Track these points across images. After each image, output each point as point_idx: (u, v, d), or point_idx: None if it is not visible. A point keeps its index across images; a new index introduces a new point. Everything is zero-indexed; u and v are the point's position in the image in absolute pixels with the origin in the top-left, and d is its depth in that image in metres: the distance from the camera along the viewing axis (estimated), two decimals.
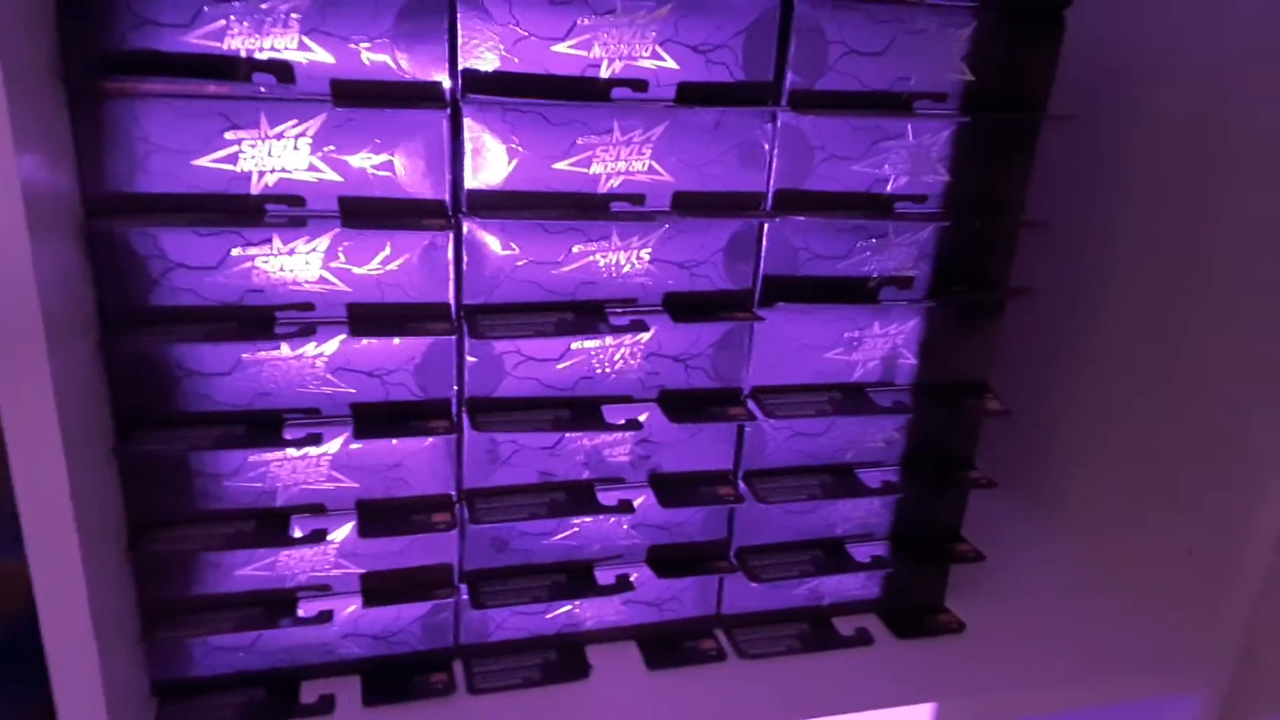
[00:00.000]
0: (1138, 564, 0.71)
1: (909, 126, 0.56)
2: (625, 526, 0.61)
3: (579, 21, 0.49)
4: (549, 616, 0.62)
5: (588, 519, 0.60)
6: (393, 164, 0.50)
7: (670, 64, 0.51)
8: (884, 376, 0.63)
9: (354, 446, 0.54)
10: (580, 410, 0.57)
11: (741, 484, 0.62)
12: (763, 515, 0.64)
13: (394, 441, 0.55)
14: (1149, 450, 0.70)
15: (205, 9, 0.44)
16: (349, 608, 0.57)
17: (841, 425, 0.63)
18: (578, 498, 0.59)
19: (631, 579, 0.62)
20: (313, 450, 0.54)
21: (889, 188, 0.58)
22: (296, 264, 0.50)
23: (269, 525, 0.54)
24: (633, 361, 0.58)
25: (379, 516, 0.56)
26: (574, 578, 0.61)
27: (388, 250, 0.51)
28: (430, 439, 0.55)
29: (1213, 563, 0.64)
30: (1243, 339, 0.62)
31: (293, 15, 0.45)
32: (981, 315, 0.63)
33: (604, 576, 0.61)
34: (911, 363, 0.63)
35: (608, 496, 0.59)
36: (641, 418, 0.58)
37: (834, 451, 0.64)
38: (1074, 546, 0.78)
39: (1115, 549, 0.74)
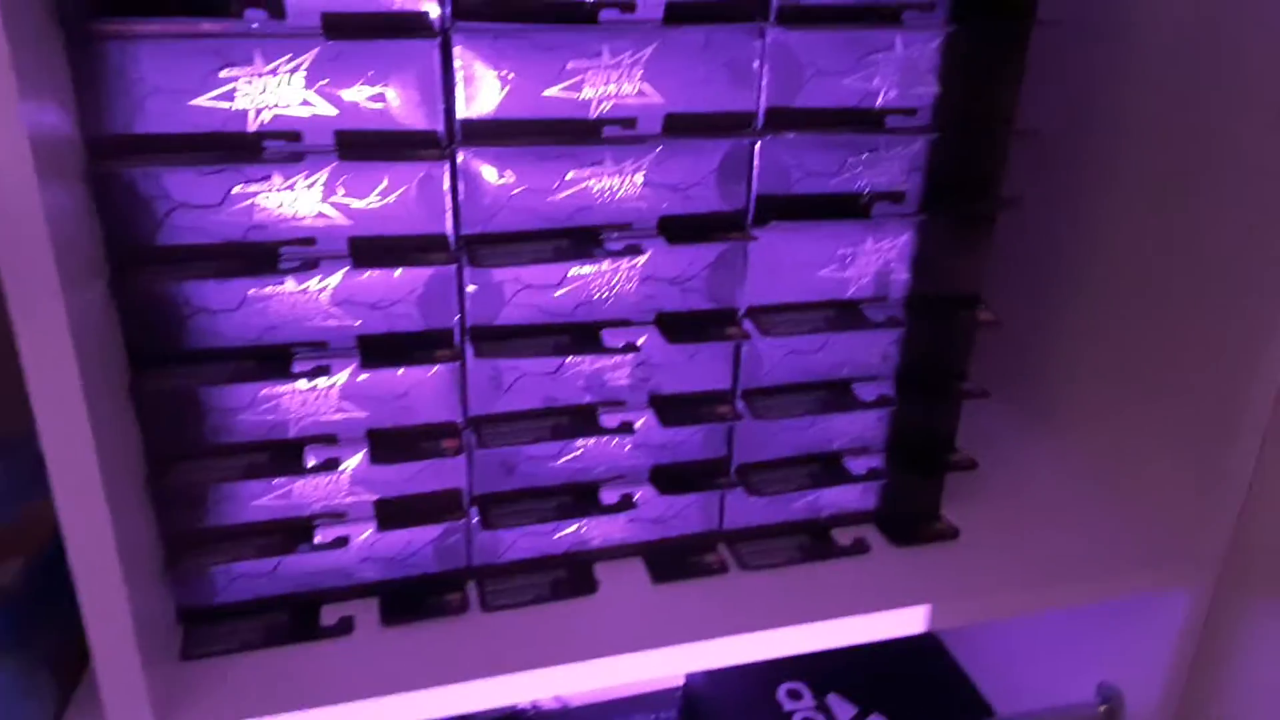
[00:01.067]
0: (1128, 462, 0.73)
1: (897, 38, 0.57)
2: (628, 447, 0.63)
3: None
4: (557, 537, 0.64)
5: (591, 441, 0.62)
6: (385, 96, 0.50)
7: None
8: (877, 292, 0.64)
9: (361, 377, 0.56)
10: (580, 335, 0.59)
11: (739, 402, 0.64)
12: (761, 432, 0.66)
13: (400, 371, 0.56)
14: (1136, 350, 0.72)
15: None
16: (364, 533, 0.59)
17: (836, 341, 0.65)
18: (580, 421, 0.61)
19: (635, 498, 0.64)
20: (322, 382, 0.55)
21: (879, 102, 0.58)
22: (297, 199, 0.51)
23: (283, 456, 0.56)
24: (629, 285, 0.59)
25: (389, 444, 0.57)
26: (580, 498, 0.63)
27: (385, 183, 0.52)
28: (435, 368, 0.57)
29: (1203, 457, 0.66)
30: (1232, 239, 0.63)
31: None
32: (973, 227, 0.64)
33: (608, 496, 0.63)
34: (904, 278, 0.64)
35: (610, 418, 0.61)
36: (640, 340, 0.60)
37: (830, 368, 0.66)
38: (1066, 450, 0.80)
39: (1105, 449, 0.76)
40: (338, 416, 0.56)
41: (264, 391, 0.54)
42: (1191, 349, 0.67)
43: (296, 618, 0.59)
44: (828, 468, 0.68)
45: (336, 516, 0.59)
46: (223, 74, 0.47)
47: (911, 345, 0.67)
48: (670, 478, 0.65)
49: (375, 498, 0.59)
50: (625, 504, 0.63)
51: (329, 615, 0.60)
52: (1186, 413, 0.67)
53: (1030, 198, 0.65)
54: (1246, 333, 0.62)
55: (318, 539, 0.58)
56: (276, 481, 0.56)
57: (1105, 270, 0.74)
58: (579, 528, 0.64)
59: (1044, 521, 0.72)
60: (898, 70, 0.57)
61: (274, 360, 0.53)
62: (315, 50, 0.48)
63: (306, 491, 0.58)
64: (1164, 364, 0.69)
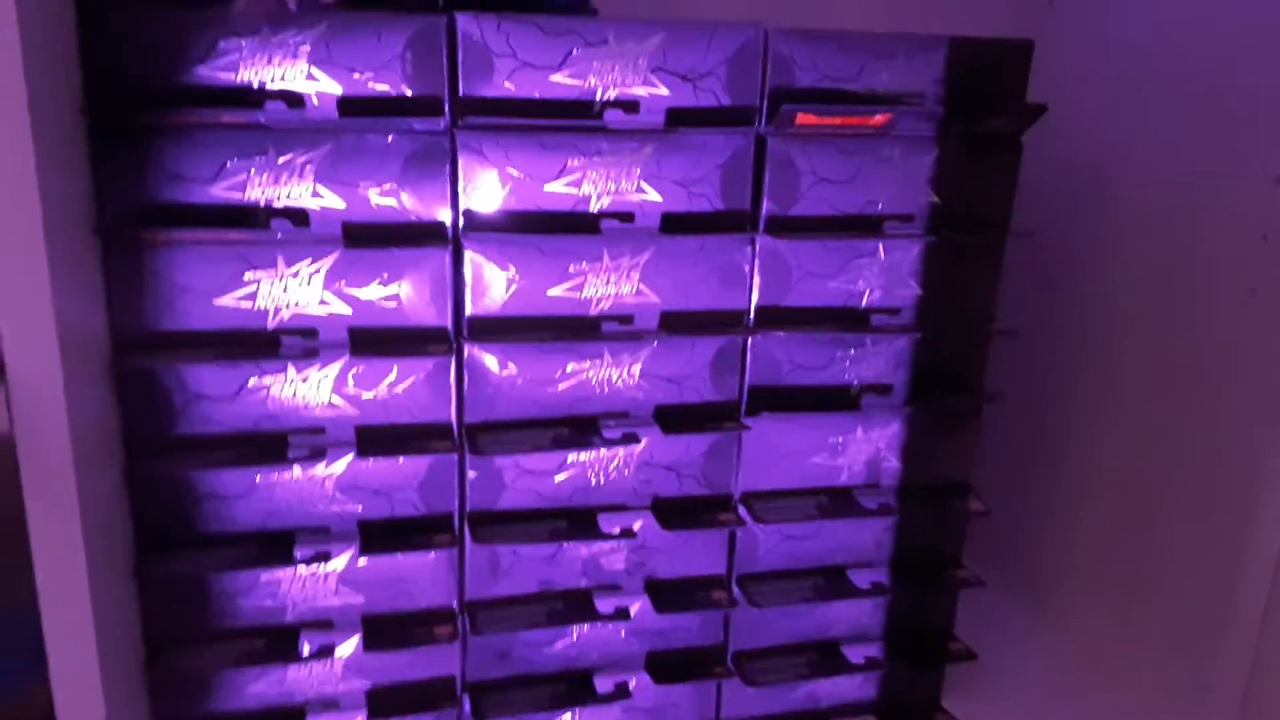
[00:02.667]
0: (1126, 656, 0.72)
1: (879, 246, 0.60)
2: (623, 633, 0.63)
3: (569, 163, 0.54)
4: None
5: (586, 627, 0.62)
6: (399, 295, 0.53)
7: (654, 197, 0.56)
8: (869, 479, 0.66)
9: (361, 562, 0.57)
10: (577, 520, 0.60)
11: (735, 588, 0.64)
12: (758, 618, 0.66)
13: (399, 556, 0.57)
14: (1133, 542, 0.72)
15: (229, 164, 0.49)
16: None
17: (830, 528, 0.66)
18: (576, 606, 0.61)
19: (630, 686, 0.63)
20: (321, 567, 0.56)
21: (864, 302, 0.62)
22: (308, 390, 0.53)
23: (279, 642, 0.56)
24: (626, 471, 0.60)
25: (384, 630, 0.58)
26: (574, 686, 0.63)
27: (394, 374, 0.55)
28: (433, 553, 0.58)
29: (1200, 653, 0.65)
30: (1213, 432, 0.65)
31: (307, 167, 0.50)
32: (959, 419, 0.66)
33: (603, 684, 0.63)
34: (895, 466, 0.66)
35: (605, 604, 0.61)
36: (636, 526, 0.61)
37: (824, 553, 0.66)
38: (1065, 641, 0.79)
39: (1106, 641, 0.75)
40: (336, 601, 0.57)
41: (265, 577, 0.55)
42: (1180, 541, 0.67)
43: None
44: (825, 656, 0.68)
45: (329, 704, 0.58)
46: (247, 276, 0.51)
47: (905, 532, 0.67)
48: (666, 666, 0.64)
49: (368, 685, 0.59)
50: (621, 693, 0.63)
51: None
52: (1181, 606, 0.67)
53: (1019, 389, 0.68)
54: (1234, 524, 0.63)
55: None
56: (272, 668, 0.56)
57: (1092, 462, 0.76)
58: (573, 717, 0.63)
59: (1046, 716, 0.70)
60: (881, 274, 0.61)
61: (276, 545, 0.55)
62: (335, 255, 0.52)
63: (300, 678, 0.57)
64: (1154, 555, 0.70)
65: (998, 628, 0.79)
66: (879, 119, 0.56)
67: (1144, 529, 0.71)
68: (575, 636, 0.62)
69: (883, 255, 0.61)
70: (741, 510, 0.62)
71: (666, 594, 0.62)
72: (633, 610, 0.62)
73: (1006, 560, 0.83)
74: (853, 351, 0.62)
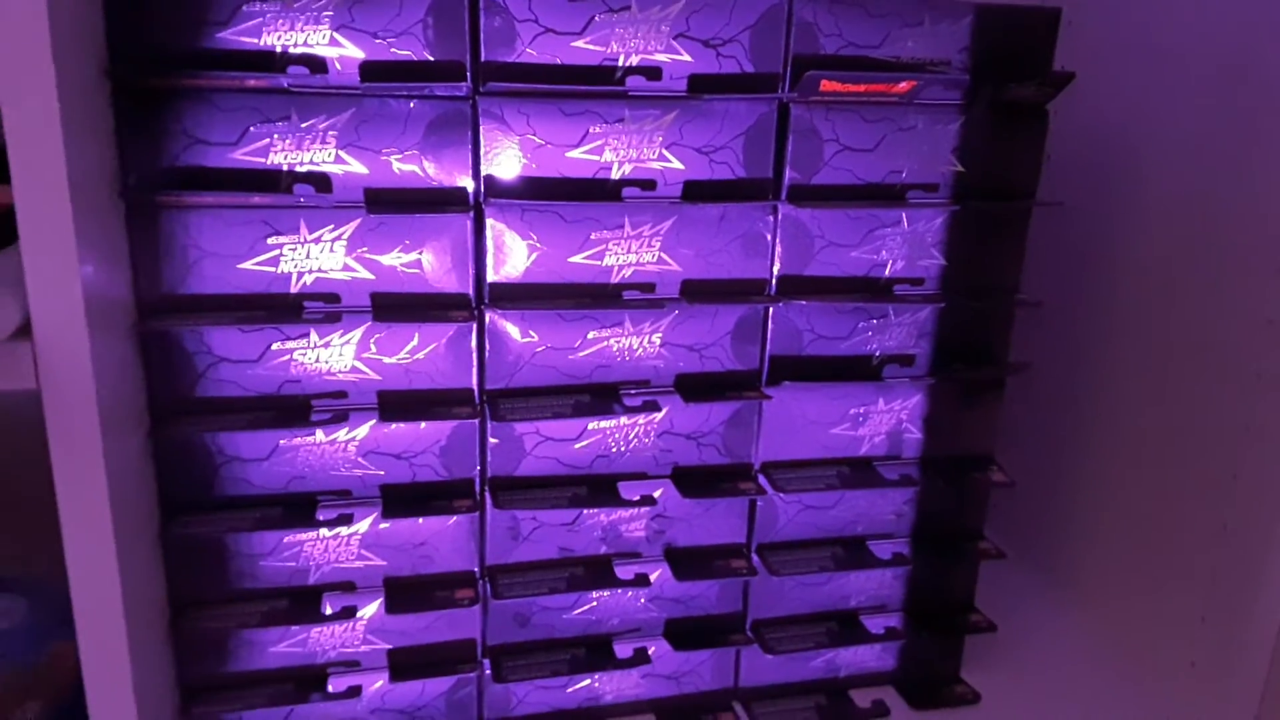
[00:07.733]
0: (1149, 632, 0.72)
1: (903, 215, 0.60)
2: (642, 600, 0.63)
3: (591, 130, 0.53)
4: (569, 690, 0.64)
5: (606, 593, 0.62)
6: (421, 261, 0.54)
7: (676, 164, 0.55)
8: (890, 451, 0.65)
9: (383, 526, 0.57)
10: (597, 487, 0.60)
11: (754, 557, 0.64)
12: (777, 588, 0.66)
13: (420, 520, 0.58)
14: (1156, 518, 0.72)
15: (251, 129, 0.49)
16: (376, 683, 0.59)
17: (851, 498, 0.65)
18: (596, 572, 0.61)
19: (650, 652, 0.63)
20: (344, 530, 0.56)
21: (887, 271, 0.61)
22: (331, 355, 0.54)
23: (302, 603, 0.57)
24: (647, 440, 0.61)
25: (406, 593, 0.58)
26: (593, 651, 0.63)
27: (415, 340, 0.55)
28: (454, 517, 0.58)
29: (1224, 630, 0.65)
30: (1242, 404, 0.64)
31: (330, 133, 0.50)
32: (983, 390, 0.65)
33: (622, 650, 0.63)
34: (917, 437, 0.65)
35: (625, 571, 0.62)
36: (656, 494, 0.61)
37: (844, 524, 0.66)
38: (1087, 615, 0.79)
39: (1127, 617, 0.75)
40: (358, 564, 0.58)
41: (287, 539, 0.56)
42: (1204, 513, 0.66)
43: None
44: (845, 626, 0.68)
45: (350, 665, 0.59)
46: (270, 240, 0.51)
47: (926, 504, 0.67)
48: (685, 633, 0.65)
49: (389, 647, 0.60)
50: (640, 658, 0.63)
51: None
52: (1204, 579, 0.67)
53: (1044, 361, 0.67)
54: (1261, 497, 0.62)
55: (331, 688, 0.58)
56: (294, 629, 0.57)
57: (1116, 435, 0.75)
58: (592, 682, 0.64)
59: (1067, 688, 0.70)
60: (904, 243, 0.60)
61: (299, 508, 0.55)
62: (357, 221, 0.52)
63: (323, 639, 0.58)
64: (1176, 527, 0.69)
65: (1018, 600, 0.79)
66: (904, 86, 0.56)
67: (1167, 502, 0.70)
68: (595, 602, 0.63)
69: (906, 225, 0.60)
70: (762, 479, 0.63)
71: (686, 562, 0.63)
72: (652, 577, 0.62)
73: (1028, 533, 0.83)
74: (875, 322, 0.62)
